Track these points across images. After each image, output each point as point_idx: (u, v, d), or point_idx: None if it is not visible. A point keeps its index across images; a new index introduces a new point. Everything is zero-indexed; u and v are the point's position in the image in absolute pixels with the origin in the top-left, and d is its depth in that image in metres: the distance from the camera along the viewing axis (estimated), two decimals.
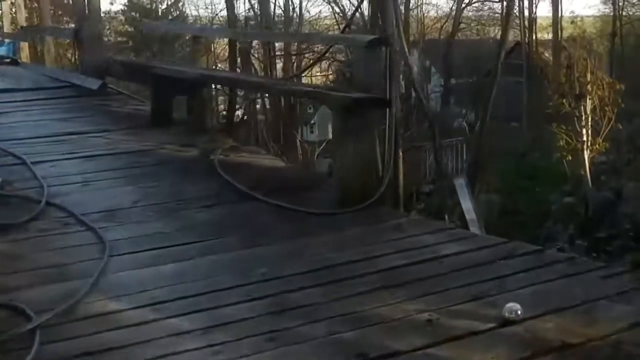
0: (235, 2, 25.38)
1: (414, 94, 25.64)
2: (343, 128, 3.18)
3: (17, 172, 3.98)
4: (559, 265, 2.62)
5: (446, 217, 4.25)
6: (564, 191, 11.02)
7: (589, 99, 8.87)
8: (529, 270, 2.59)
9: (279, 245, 2.92)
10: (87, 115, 5.54)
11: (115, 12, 30.85)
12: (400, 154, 3.42)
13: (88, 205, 3.43)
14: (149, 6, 30.80)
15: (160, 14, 30.28)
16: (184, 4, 31.21)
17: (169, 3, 31.10)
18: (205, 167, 4.10)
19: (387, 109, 3.41)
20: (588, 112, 8.93)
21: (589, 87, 8.85)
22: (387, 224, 3.11)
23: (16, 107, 5.82)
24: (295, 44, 13.58)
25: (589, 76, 9.04)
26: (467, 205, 4.47)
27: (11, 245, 2.94)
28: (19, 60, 9.21)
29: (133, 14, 30.35)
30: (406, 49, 4.59)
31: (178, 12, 30.72)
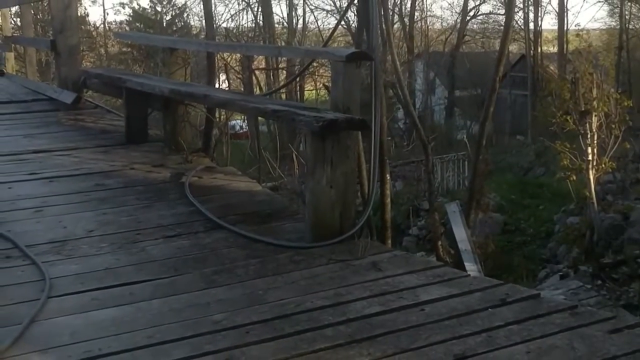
0: (238, 14, 25.28)
1: (418, 105, 25.57)
2: (316, 152, 2.83)
3: None
4: (559, 316, 2.26)
5: (439, 244, 3.89)
6: (568, 211, 10.63)
7: (595, 115, 8.48)
8: (524, 321, 2.24)
9: (241, 286, 2.57)
10: (57, 131, 5.22)
11: (120, 23, 30.84)
12: (388, 179, 3.06)
13: (37, 235, 3.11)
14: (153, 17, 30.71)
15: (164, 24, 30.17)
16: (188, 15, 31.09)
17: (174, 14, 31.00)
18: (174, 191, 3.77)
19: (372, 131, 3.09)
20: (594, 130, 8.53)
21: (594, 103, 8.46)
22: (364, 261, 2.75)
23: None
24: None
25: (594, 92, 8.65)
26: (460, 234, 4.12)
27: None
28: (4, 71, 8.95)
29: (137, 24, 30.25)
30: (398, 65, 4.25)
31: (182, 23, 30.59)
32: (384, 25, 3.41)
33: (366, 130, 2.95)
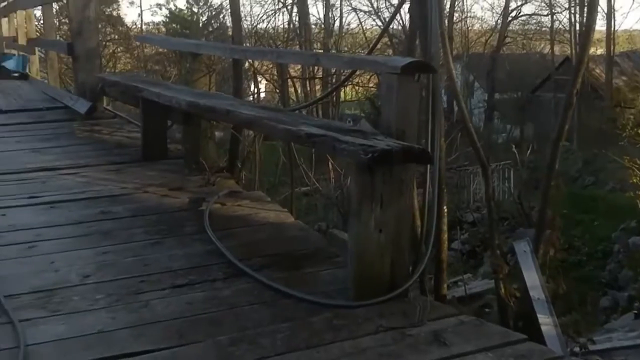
0: (273, 14, 24.79)
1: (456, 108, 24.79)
2: (363, 188, 2.23)
3: None
4: None
5: (501, 285, 3.27)
6: (629, 229, 9.81)
7: None
8: None
9: None
10: (68, 144, 4.72)
11: (157, 24, 30.70)
12: (445, 221, 2.45)
13: (22, 281, 2.57)
14: (189, 18, 30.52)
15: (201, 25, 29.94)
16: (224, 16, 30.79)
17: (210, 15, 30.76)
18: (191, 222, 3.20)
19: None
20: None
21: None
22: (423, 330, 2.14)
23: None
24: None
25: None
26: (532, 280, 3.53)
27: None
28: (28, 75, 8.57)
29: (174, 25, 30.07)
30: (454, 75, 3.64)
31: (218, 24, 30.31)
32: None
33: (427, 163, 2.35)
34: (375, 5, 25.71)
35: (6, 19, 10.54)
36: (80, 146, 4.66)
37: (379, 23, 24.62)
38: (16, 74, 8.58)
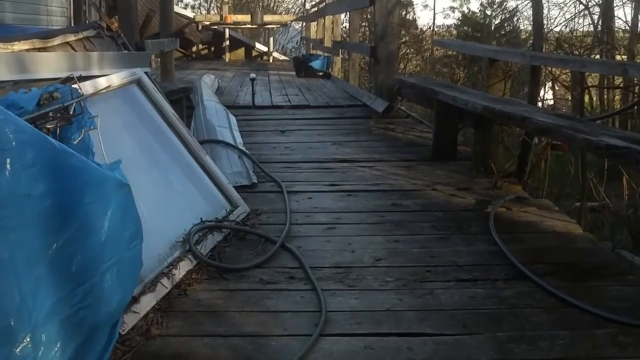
0: (573, 18, 23.56)
1: None
2: None
3: (270, 201, 3.67)
4: None
5: None
6: None
7: None
8: None
9: None
10: (365, 139, 5.13)
11: (448, 26, 31.13)
12: None
13: (324, 256, 2.92)
14: (482, 21, 30.40)
15: (492, 28, 29.64)
16: (518, 19, 30.08)
17: (503, 18, 30.30)
18: (476, 223, 3.32)
19: None
20: None
21: None
22: None
23: (301, 125, 5.69)
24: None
25: None
26: None
27: (218, 298, 2.53)
28: (330, 74, 9.39)
29: (465, 28, 30.21)
30: None
31: (511, 27, 29.72)
32: None
33: None
34: None
35: (314, 22, 11.64)
36: (376, 142, 5.04)
37: None
38: (320, 73, 9.48)
